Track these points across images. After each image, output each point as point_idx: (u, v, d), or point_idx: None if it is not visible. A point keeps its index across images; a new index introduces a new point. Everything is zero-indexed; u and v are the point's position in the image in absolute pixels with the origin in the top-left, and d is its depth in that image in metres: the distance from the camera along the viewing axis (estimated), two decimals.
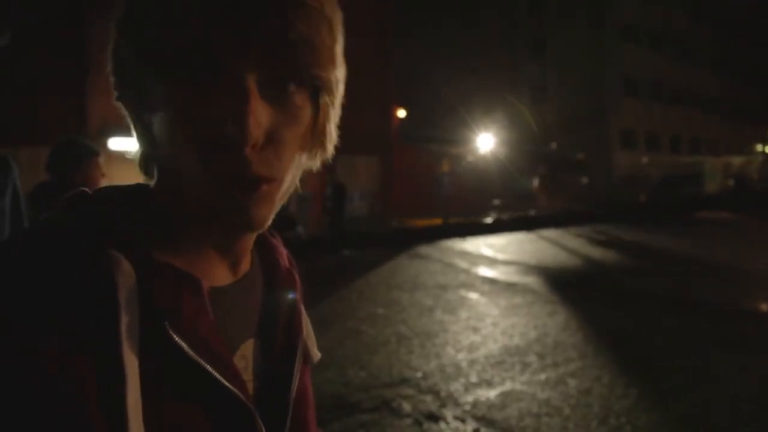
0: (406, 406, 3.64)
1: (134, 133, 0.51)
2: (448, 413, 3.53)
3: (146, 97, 0.47)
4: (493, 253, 10.48)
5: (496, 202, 21.23)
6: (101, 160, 2.58)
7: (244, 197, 0.46)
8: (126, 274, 0.43)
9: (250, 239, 0.55)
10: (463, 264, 9.39)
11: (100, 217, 0.47)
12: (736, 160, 26.93)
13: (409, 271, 8.78)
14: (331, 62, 0.49)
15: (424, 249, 11.58)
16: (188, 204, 0.49)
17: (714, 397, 3.70)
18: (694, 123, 35.41)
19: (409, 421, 3.44)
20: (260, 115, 0.44)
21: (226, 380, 0.46)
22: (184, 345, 0.44)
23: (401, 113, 20.26)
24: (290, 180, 0.50)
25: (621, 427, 3.29)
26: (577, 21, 29.74)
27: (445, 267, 9.11)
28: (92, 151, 2.56)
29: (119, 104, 0.51)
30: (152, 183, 0.53)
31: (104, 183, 2.29)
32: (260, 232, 0.53)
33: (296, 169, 0.50)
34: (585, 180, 18.10)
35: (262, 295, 0.58)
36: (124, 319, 0.41)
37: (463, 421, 3.43)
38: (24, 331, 0.38)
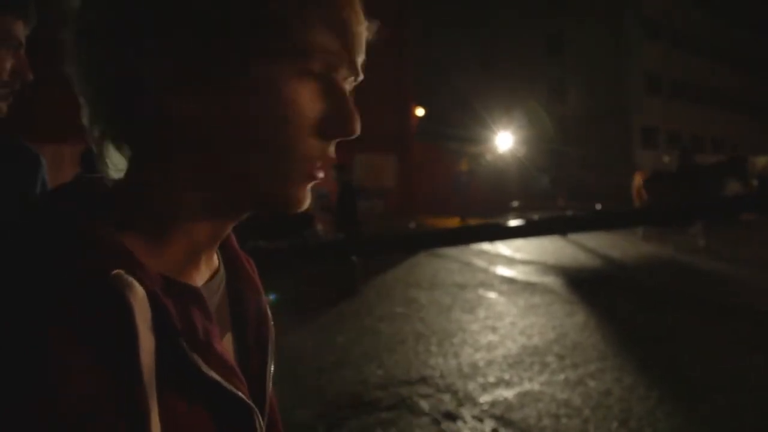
0: (424, 405, 3.64)
1: (89, 113, 0.47)
2: (466, 413, 3.53)
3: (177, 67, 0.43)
4: (512, 252, 10.41)
5: (515, 203, 20.84)
6: None
7: (307, 186, 0.49)
8: (140, 298, 0.39)
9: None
10: (481, 263, 9.35)
11: (96, 227, 0.42)
12: (760, 160, 26.36)
13: (426, 270, 8.77)
14: None
15: (442, 247, 11.54)
16: (194, 197, 0.46)
17: (741, 401, 3.62)
18: (717, 122, 34.80)
19: (426, 419, 3.44)
20: None
21: (234, 386, 0.46)
22: (200, 362, 0.43)
23: (419, 111, 20.24)
24: None
25: (641, 429, 3.25)
26: (597, 17, 29.37)
27: (463, 266, 9.07)
28: None
29: (66, 73, 0.46)
30: (121, 176, 0.48)
31: None
32: None
33: None
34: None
35: (227, 288, 0.57)
36: (144, 345, 0.39)
37: (481, 420, 3.42)
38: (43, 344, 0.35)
